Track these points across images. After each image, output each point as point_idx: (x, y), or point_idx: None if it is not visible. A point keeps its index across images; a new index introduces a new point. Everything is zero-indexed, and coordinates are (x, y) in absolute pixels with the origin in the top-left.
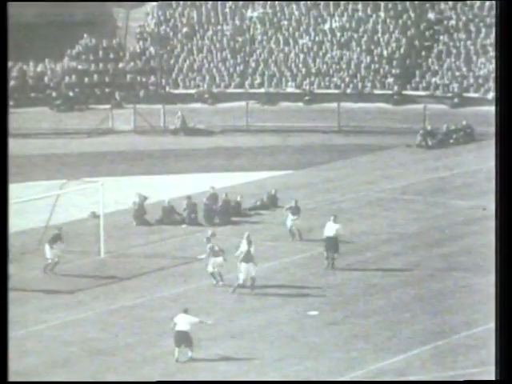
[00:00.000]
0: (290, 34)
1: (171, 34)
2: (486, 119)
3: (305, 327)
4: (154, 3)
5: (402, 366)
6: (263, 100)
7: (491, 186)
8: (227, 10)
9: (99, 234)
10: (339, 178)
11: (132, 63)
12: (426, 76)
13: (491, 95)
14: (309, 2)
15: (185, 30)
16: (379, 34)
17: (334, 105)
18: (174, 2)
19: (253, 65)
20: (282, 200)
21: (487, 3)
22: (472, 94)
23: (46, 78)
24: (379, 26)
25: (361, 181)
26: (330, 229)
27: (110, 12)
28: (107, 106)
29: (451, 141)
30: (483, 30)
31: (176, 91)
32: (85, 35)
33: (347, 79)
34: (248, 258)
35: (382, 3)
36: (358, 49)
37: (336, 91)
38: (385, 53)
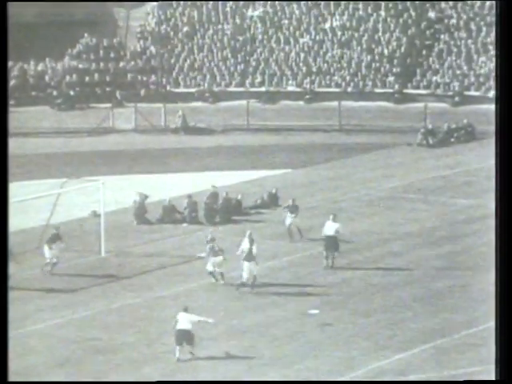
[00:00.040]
0: (291, 33)
1: (172, 33)
2: (486, 118)
3: (305, 326)
4: (155, 3)
5: (402, 365)
6: (264, 99)
7: (492, 184)
8: (228, 9)
9: (100, 232)
10: (340, 177)
11: (133, 62)
12: (426, 75)
13: (492, 94)
14: (309, 1)
15: (185, 29)
16: (380, 33)
17: (335, 103)
18: (174, 2)
19: (253, 64)
20: (283, 199)
21: (488, 2)
22: (473, 93)
23: (46, 77)
24: (380, 25)
25: (362, 179)
26: (330, 228)
27: (110, 11)
28: (108, 105)
29: (452, 139)
30: (484, 28)
31: (177, 90)
32: (85, 34)
33: (348, 78)
34: (250, 256)
35: (383, 2)
36: (359, 48)
37: (337, 90)
38: (385, 51)
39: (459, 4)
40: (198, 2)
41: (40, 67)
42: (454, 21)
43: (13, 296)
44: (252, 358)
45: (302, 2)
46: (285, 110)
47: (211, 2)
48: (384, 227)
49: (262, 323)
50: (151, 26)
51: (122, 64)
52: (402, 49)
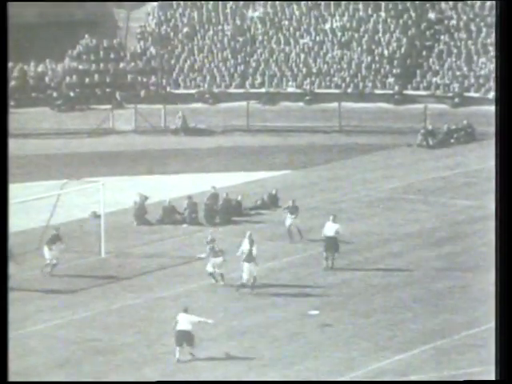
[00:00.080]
0: (291, 34)
1: (172, 34)
2: (486, 119)
3: (305, 327)
4: (155, 3)
5: (402, 365)
6: (264, 100)
7: (492, 185)
8: (228, 10)
9: (100, 233)
10: (340, 178)
11: (133, 63)
12: (426, 76)
13: (492, 95)
14: (309, 2)
15: (185, 30)
16: (380, 34)
17: (335, 104)
18: (174, 2)
19: (253, 65)
20: (283, 200)
21: (488, 3)
22: (473, 94)
23: (46, 78)
24: (380, 26)
25: (362, 180)
26: (330, 229)
27: (110, 12)
28: (108, 106)
29: (452, 140)
30: (484, 29)
31: (177, 91)
32: (85, 35)
33: (348, 79)
34: (250, 257)
35: (383, 3)
36: (359, 48)
37: (337, 91)
38: (385, 52)
39: (459, 5)
40: (198, 3)
41: (40, 68)
42: (454, 22)
43: (13, 297)
44: (252, 358)
45: (302, 3)
46: (285, 111)
47: (211, 3)
48: (384, 228)
49: (261, 324)
50: (151, 27)
51: (122, 65)
52: (402, 50)
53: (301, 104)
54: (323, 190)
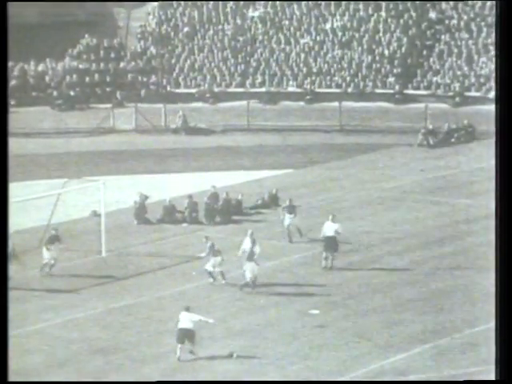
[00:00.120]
0: (291, 34)
1: (172, 33)
2: (487, 118)
3: (306, 326)
4: (155, 3)
5: (402, 365)
6: (264, 99)
7: (492, 184)
8: (228, 9)
9: (100, 232)
10: (340, 177)
11: (133, 63)
12: (427, 75)
13: (492, 94)
14: (310, 2)
15: (186, 29)
16: (380, 34)
17: (336, 104)
18: (174, 2)
19: (254, 64)
20: (283, 199)
21: (488, 2)
22: (473, 93)
23: (47, 78)
24: (380, 26)
25: (362, 180)
26: (329, 228)
27: (110, 12)
28: (108, 106)
29: (453, 140)
30: (484, 29)
31: (177, 90)
32: (86, 35)
33: (348, 78)
34: (252, 256)
35: (384, 3)
36: (360, 48)
37: (337, 90)
38: (386, 52)
39: (460, 4)
40: (199, 2)
41: (40, 67)
42: (454, 21)
43: (14, 296)
44: (252, 357)
45: (303, 3)
46: (285, 110)
47: (211, 3)
48: (384, 227)
49: (262, 323)
50: (152, 27)
51: (122, 64)
52: (403, 49)
53: (301, 103)
54: (323, 189)
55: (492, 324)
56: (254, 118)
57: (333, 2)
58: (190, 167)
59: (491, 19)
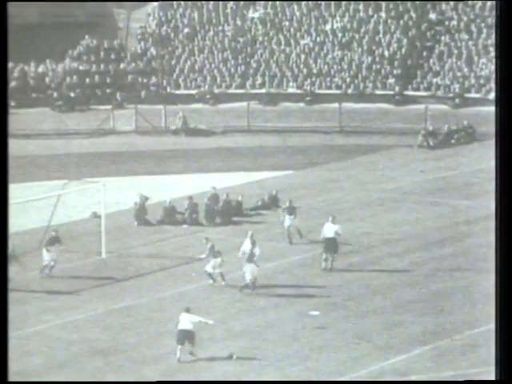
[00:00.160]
0: (292, 35)
1: (172, 34)
2: (487, 119)
3: (306, 327)
4: (155, 4)
5: (402, 366)
6: (264, 100)
7: (492, 186)
8: (228, 10)
9: (100, 234)
10: (340, 179)
11: (133, 64)
12: (427, 76)
13: (492, 95)
14: (310, 3)
15: (186, 30)
16: (380, 35)
17: (336, 105)
18: (175, 3)
19: (254, 65)
20: (283, 200)
21: (488, 3)
22: (473, 95)
23: (47, 79)
24: (380, 27)
25: (362, 181)
26: (329, 230)
27: (111, 13)
28: (108, 107)
29: (452, 141)
30: (484, 30)
31: (177, 92)
32: (86, 36)
33: (348, 80)
34: (252, 257)
35: (384, 3)
36: (360, 49)
37: (337, 92)
38: (386, 53)
39: (460, 5)
40: (199, 3)
41: (40, 69)
42: (454, 22)
43: (14, 297)
44: (252, 359)
45: (303, 3)
46: (285, 111)
47: (212, 3)
48: (384, 229)
49: (262, 324)
50: (152, 28)
51: (122, 65)
52: (403, 50)
53: (301, 104)
54: (323, 190)
55: (492, 325)
56: (254, 119)
57: (333, 3)
58: (190, 168)
59: (491, 20)
